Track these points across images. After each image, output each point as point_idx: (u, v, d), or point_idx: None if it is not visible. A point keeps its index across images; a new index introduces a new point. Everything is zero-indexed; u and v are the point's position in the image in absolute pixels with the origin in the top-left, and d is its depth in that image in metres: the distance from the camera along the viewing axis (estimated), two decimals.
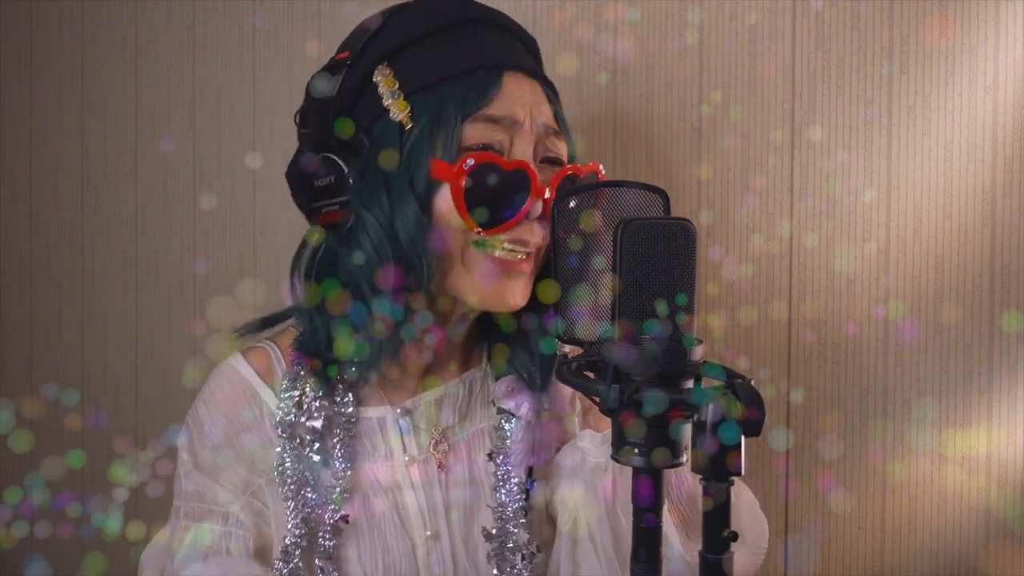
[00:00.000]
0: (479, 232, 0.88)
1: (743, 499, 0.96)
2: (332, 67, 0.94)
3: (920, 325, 1.28)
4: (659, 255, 0.65)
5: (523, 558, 0.94)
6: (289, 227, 1.48)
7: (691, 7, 1.33)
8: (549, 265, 0.89)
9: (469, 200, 0.87)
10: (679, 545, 0.88)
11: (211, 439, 0.95)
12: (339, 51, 0.96)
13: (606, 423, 0.94)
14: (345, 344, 0.90)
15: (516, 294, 0.91)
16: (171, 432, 1.49)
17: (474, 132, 0.89)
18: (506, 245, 0.90)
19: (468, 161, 0.87)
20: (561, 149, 0.95)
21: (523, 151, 0.91)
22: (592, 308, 0.73)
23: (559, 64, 1.35)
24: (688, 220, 0.67)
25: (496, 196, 0.88)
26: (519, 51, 0.97)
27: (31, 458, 1.59)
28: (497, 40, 0.95)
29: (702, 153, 1.33)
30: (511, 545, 0.94)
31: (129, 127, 1.55)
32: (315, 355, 0.93)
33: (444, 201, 0.89)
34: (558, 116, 0.96)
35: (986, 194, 1.26)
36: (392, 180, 0.89)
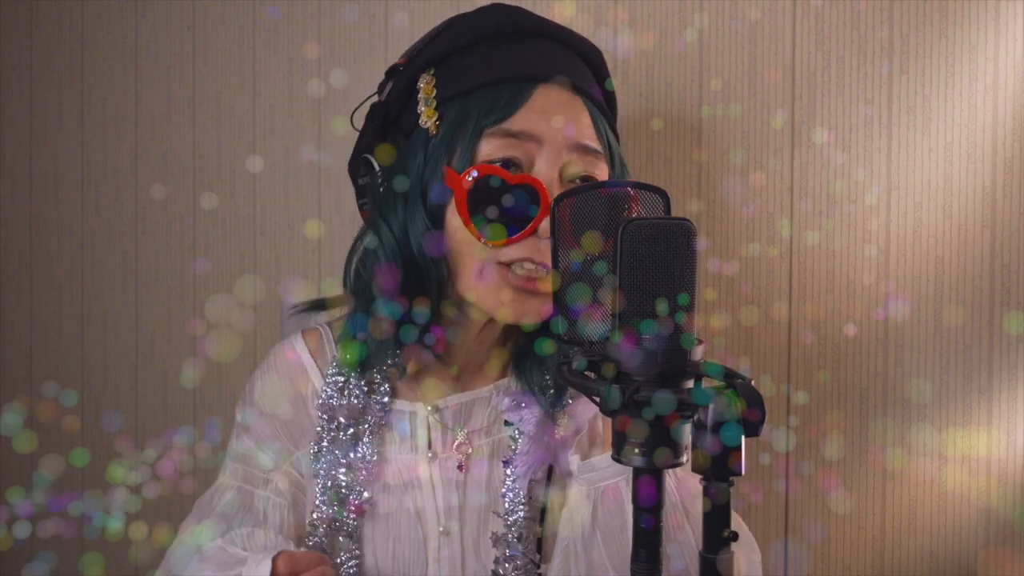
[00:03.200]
0: (485, 243, 0.89)
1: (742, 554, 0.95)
2: (388, 72, 0.97)
3: (920, 325, 1.28)
4: (659, 255, 0.65)
5: (516, 568, 0.95)
6: (289, 227, 1.48)
7: (691, 7, 1.33)
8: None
9: (473, 211, 0.88)
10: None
11: (262, 409, 1.00)
12: (400, 56, 0.98)
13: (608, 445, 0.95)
14: (361, 346, 0.94)
15: (532, 313, 0.91)
16: (171, 432, 1.50)
17: (491, 145, 0.89)
18: (525, 265, 0.89)
19: (472, 172, 0.88)
20: (596, 169, 0.93)
21: (545, 168, 0.89)
22: (592, 308, 0.73)
23: None
24: (688, 220, 0.67)
25: (501, 209, 0.88)
26: (568, 64, 0.95)
27: (32, 458, 1.59)
28: (543, 51, 0.94)
29: (702, 153, 1.33)
30: (510, 554, 0.95)
31: (129, 127, 1.55)
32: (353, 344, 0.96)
33: (455, 213, 0.90)
34: (601, 134, 0.94)
35: (986, 194, 1.26)
36: (411, 188, 0.91)
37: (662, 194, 0.77)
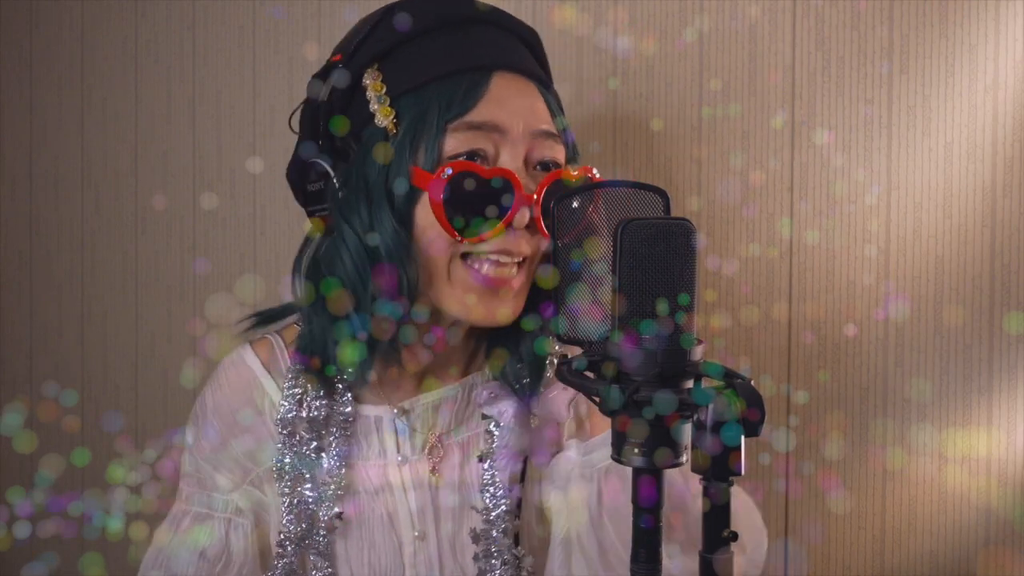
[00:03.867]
0: (460, 241, 0.87)
1: (739, 501, 0.95)
2: (325, 69, 0.93)
3: (920, 325, 1.28)
4: (658, 255, 0.65)
5: (504, 563, 0.94)
6: (289, 227, 1.48)
7: (691, 7, 1.33)
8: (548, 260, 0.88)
9: (449, 210, 0.86)
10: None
11: (215, 427, 0.97)
12: (333, 53, 0.95)
13: (601, 428, 0.94)
14: (340, 347, 0.90)
15: (503, 310, 0.90)
16: (171, 432, 1.49)
17: (456, 140, 0.88)
18: (492, 256, 0.88)
19: (446, 171, 0.86)
20: (557, 153, 0.93)
21: (510, 158, 0.89)
22: (592, 308, 0.73)
23: (558, 64, 1.35)
24: (687, 220, 0.67)
25: (477, 205, 0.86)
26: (515, 50, 0.95)
27: (31, 459, 1.59)
28: (491, 39, 0.93)
29: (702, 153, 1.33)
30: (495, 549, 0.94)
31: (129, 127, 1.55)
32: (312, 354, 0.93)
33: (425, 211, 0.88)
34: (555, 118, 0.94)
35: (986, 194, 1.26)
36: (373, 189, 0.88)
37: (662, 194, 0.77)
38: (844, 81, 1.29)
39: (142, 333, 1.56)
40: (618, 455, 0.68)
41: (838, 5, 1.29)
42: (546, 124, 0.92)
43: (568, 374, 0.71)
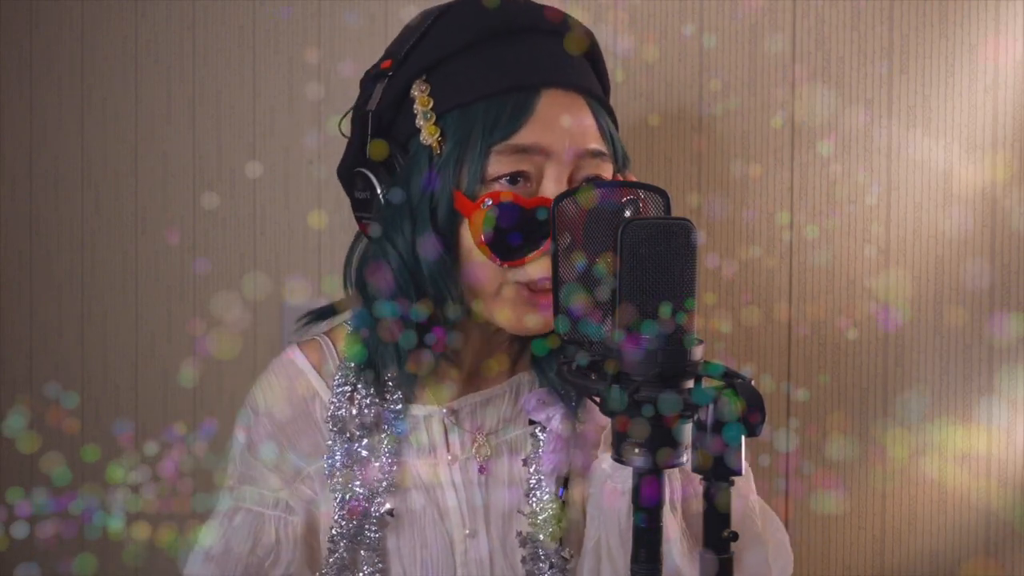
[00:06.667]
0: (502, 264, 0.87)
1: (767, 520, 0.96)
2: (376, 76, 0.93)
3: (920, 325, 1.28)
4: (659, 255, 0.65)
5: (551, 566, 0.94)
6: (289, 227, 1.48)
7: (691, 7, 1.33)
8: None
9: (488, 236, 0.86)
10: (678, 557, 0.88)
11: (266, 427, 0.98)
12: (384, 57, 0.94)
13: None
14: (384, 353, 0.92)
15: (543, 322, 0.91)
16: (171, 432, 1.50)
17: (500, 162, 0.87)
18: (535, 281, 0.89)
19: (486, 201, 0.86)
20: (602, 171, 0.91)
21: (554, 180, 0.88)
22: (593, 308, 0.73)
23: None
24: (688, 220, 0.67)
25: (518, 232, 0.86)
26: (567, 62, 0.92)
27: (31, 459, 1.59)
28: (541, 51, 0.91)
29: (702, 153, 1.33)
30: (541, 552, 0.95)
31: (129, 127, 1.55)
32: (361, 357, 0.94)
33: (468, 234, 0.88)
34: (604, 132, 0.92)
35: (986, 194, 1.26)
36: (416, 208, 0.89)
37: (662, 194, 0.77)
38: (844, 81, 1.29)
39: (142, 333, 1.56)
40: (618, 455, 0.68)
41: (838, 5, 1.29)
42: (594, 143, 0.90)
43: (568, 374, 0.71)
